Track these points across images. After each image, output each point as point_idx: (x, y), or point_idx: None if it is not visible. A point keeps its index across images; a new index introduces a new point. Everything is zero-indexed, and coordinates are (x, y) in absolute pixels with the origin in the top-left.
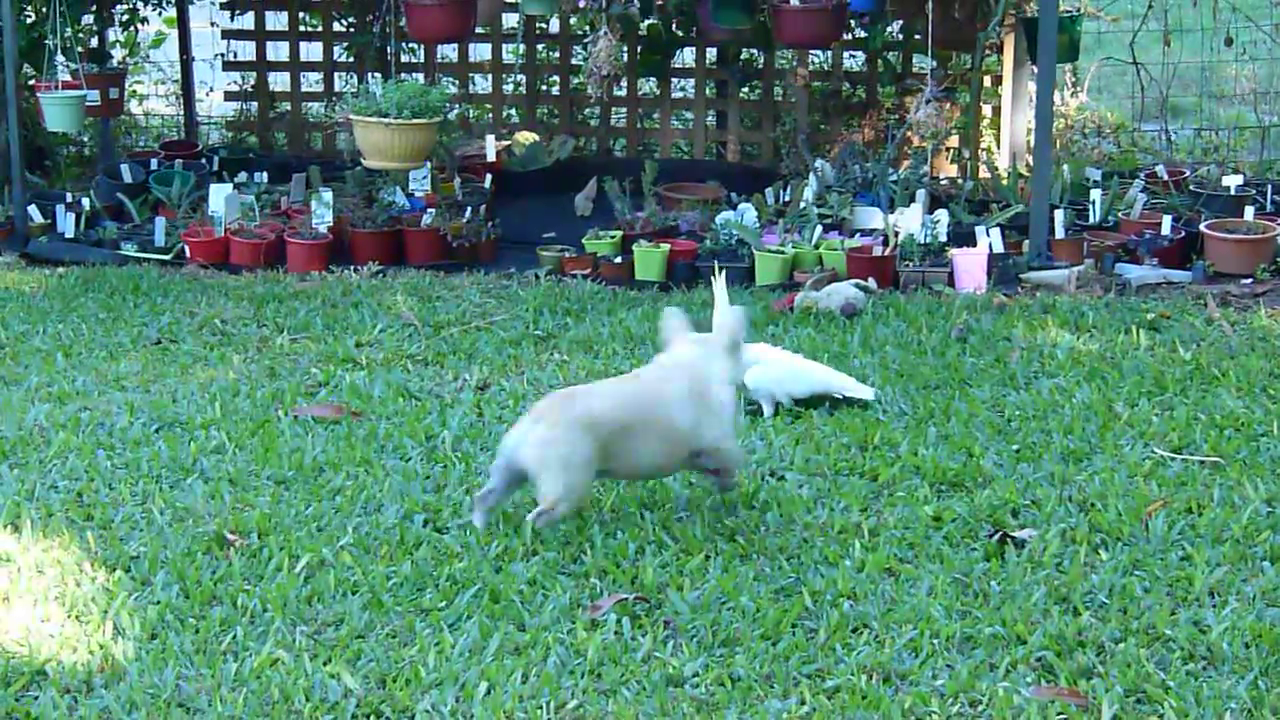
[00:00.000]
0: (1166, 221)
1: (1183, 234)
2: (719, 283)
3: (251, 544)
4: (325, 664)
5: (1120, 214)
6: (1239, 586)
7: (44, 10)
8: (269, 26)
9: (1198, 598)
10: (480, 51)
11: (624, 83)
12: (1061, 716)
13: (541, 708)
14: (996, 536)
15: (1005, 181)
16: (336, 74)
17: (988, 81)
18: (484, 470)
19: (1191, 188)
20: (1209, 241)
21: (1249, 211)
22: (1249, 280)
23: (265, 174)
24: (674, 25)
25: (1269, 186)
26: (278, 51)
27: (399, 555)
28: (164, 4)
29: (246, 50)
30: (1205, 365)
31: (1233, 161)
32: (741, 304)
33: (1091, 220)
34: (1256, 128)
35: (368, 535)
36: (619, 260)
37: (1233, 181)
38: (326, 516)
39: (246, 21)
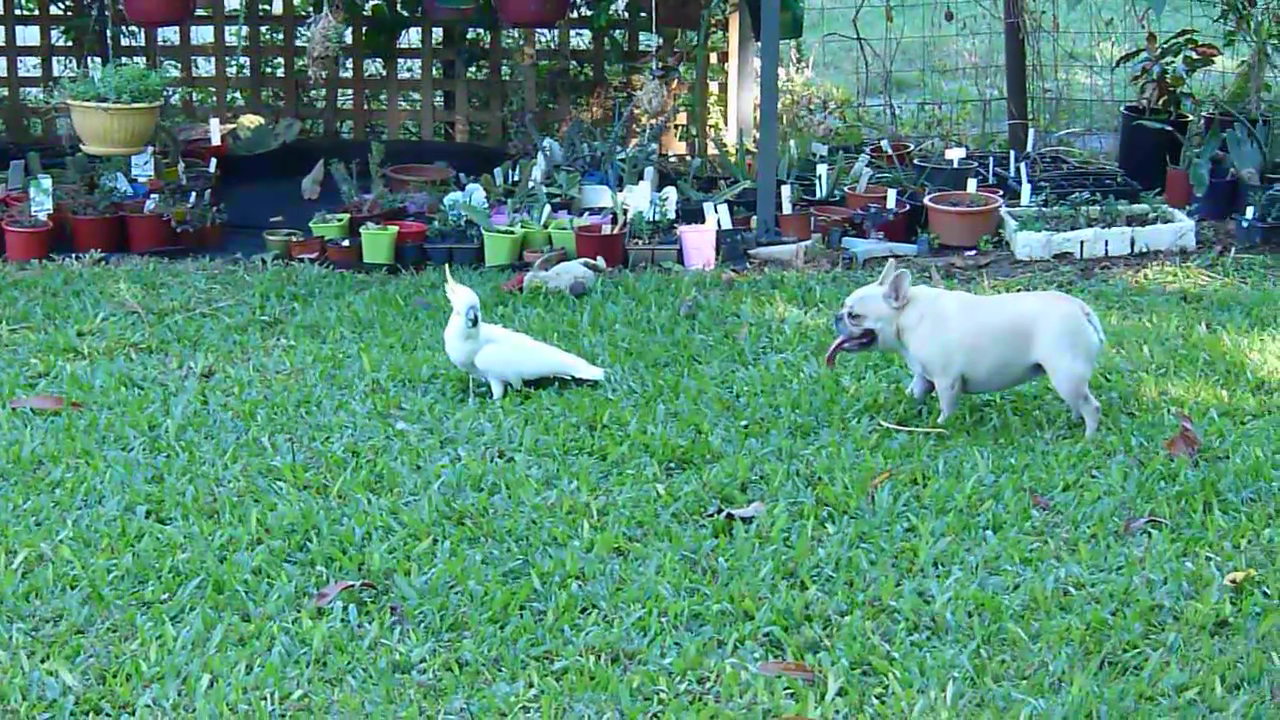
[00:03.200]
0: (891, 195)
1: (907, 207)
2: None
3: None
4: (43, 661)
5: (846, 188)
6: (962, 556)
7: None
8: None
9: (922, 568)
10: (203, 34)
11: (349, 64)
12: (788, 691)
13: (266, 698)
14: (723, 514)
15: (733, 158)
16: (55, 58)
17: (714, 58)
18: (208, 459)
19: (916, 161)
20: (933, 214)
21: (972, 184)
22: (973, 252)
23: None
24: (398, 5)
25: (990, 159)
26: None
27: (120, 548)
28: None
29: None
30: None
31: (955, 135)
32: (470, 285)
33: (818, 195)
34: (978, 101)
35: (88, 528)
36: (347, 243)
37: (955, 155)
38: (45, 510)
39: None
